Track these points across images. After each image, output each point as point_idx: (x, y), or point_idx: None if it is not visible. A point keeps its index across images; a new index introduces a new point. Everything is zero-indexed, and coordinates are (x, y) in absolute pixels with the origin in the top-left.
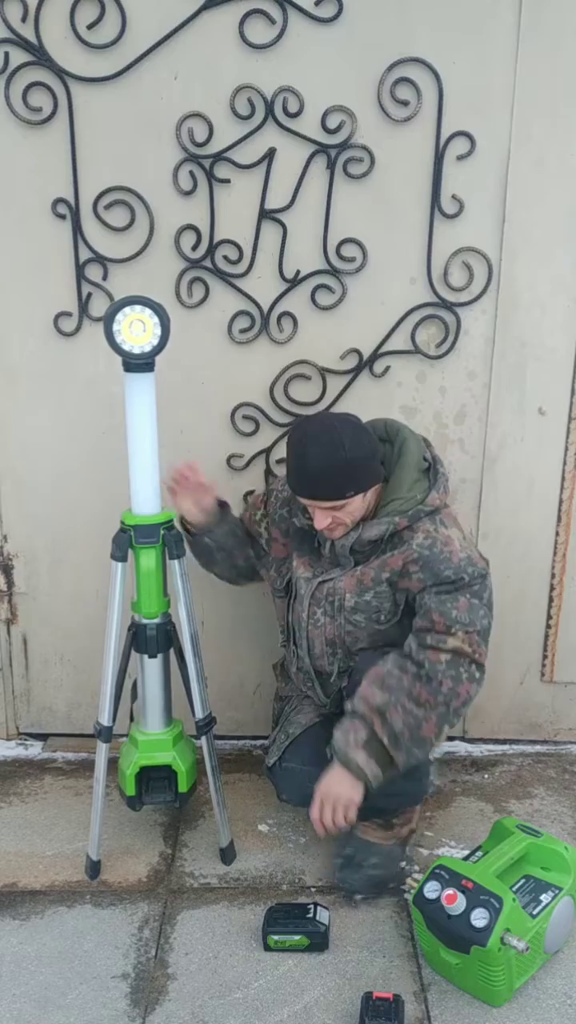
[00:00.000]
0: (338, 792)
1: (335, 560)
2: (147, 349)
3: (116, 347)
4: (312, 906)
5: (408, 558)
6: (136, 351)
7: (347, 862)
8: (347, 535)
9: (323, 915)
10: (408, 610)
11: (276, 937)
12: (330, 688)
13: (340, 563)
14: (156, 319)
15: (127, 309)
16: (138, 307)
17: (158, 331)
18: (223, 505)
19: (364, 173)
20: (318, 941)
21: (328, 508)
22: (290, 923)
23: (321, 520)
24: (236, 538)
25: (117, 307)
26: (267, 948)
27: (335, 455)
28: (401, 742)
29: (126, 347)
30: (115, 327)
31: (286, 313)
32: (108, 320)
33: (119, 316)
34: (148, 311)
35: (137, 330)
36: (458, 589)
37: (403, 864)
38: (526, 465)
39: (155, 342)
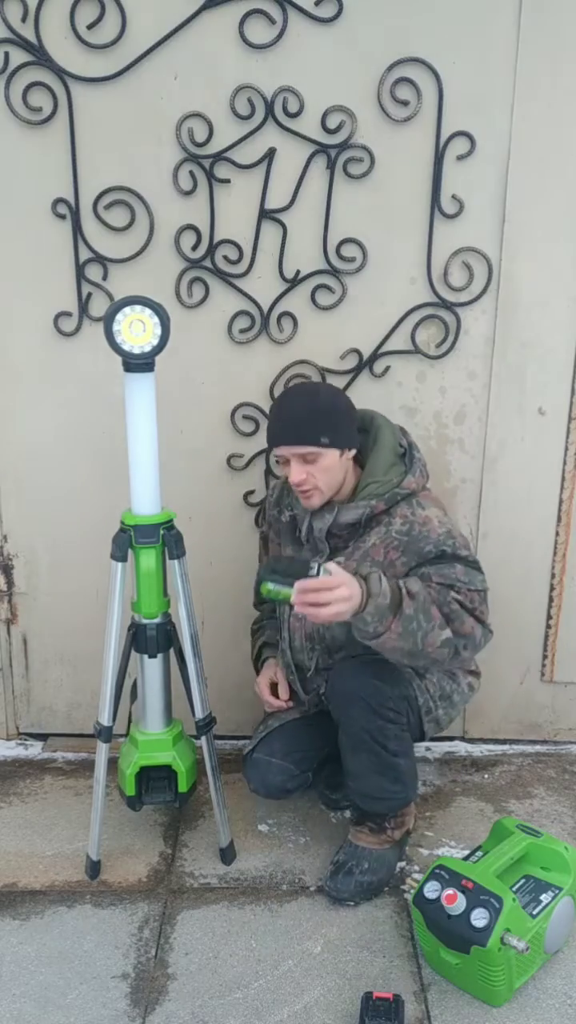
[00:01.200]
0: (337, 593)
1: (314, 546)
2: (147, 349)
3: (116, 347)
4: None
5: (389, 546)
6: (136, 351)
7: (337, 869)
8: (323, 517)
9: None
10: None
11: None
12: (309, 685)
13: (318, 548)
14: (156, 319)
15: (127, 309)
16: (138, 307)
17: (158, 331)
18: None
19: (364, 173)
20: None
21: (302, 455)
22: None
23: (296, 472)
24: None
25: (117, 307)
26: None
27: (312, 401)
28: (415, 602)
29: (126, 347)
30: (115, 327)
31: (286, 313)
32: (108, 320)
33: (119, 316)
34: (148, 311)
35: (137, 330)
36: (447, 558)
37: (403, 864)
38: (526, 465)
39: (155, 342)
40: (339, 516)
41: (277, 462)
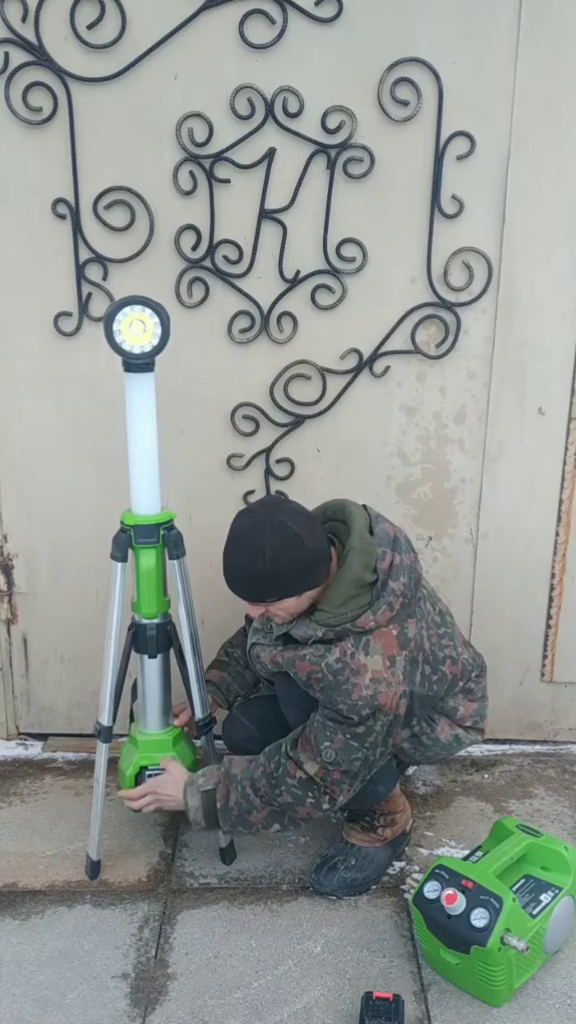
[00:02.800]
0: (166, 797)
1: (270, 637)
2: (147, 349)
3: (116, 347)
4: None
5: (313, 672)
6: (136, 351)
7: (324, 862)
8: (281, 624)
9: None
10: None
11: None
12: None
13: (275, 638)
14: (156, 319)
15: (127, 309)
16: (138, 307)
17: (158, 331)
18: (220, 675)
19: (364, 173)
20: None
21: (253, 606)
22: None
23: (253, 610)
24: (246, 684)
25: (117, 307)
26: None
27: (253, 564)
28: (228, 816)
29: (126, 347)
30: (115, 327)
31: (286, 313)
32: (108, 320)
33: (119, 316)
34: (148, 311)
35: (137, 330)
36: (343, 724)
37: (403, 864)
38: (526, 465)
39: (155, 342)
40: (292, 630)
41: None
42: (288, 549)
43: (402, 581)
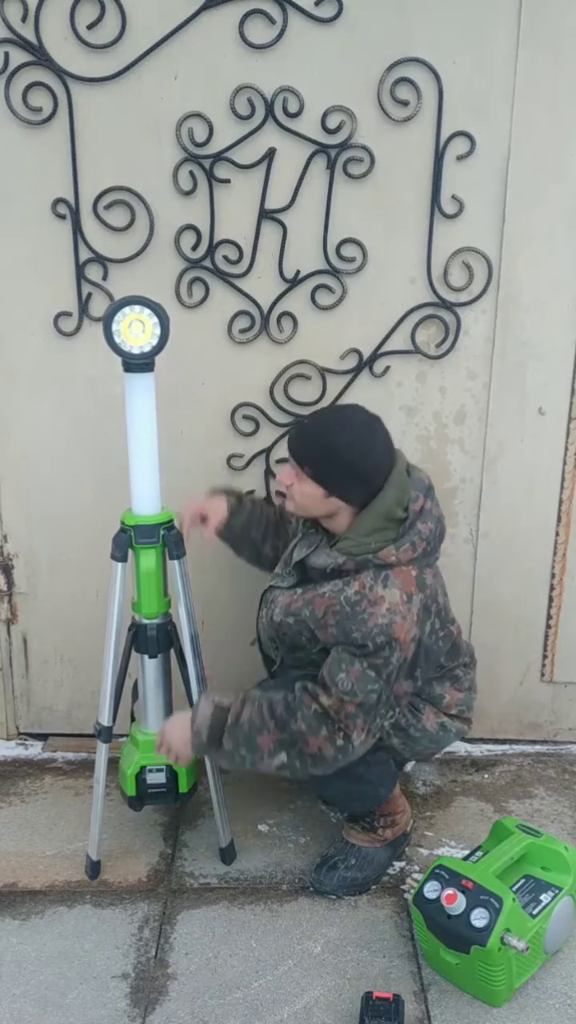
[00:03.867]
0: (172, 740)
1: (288, 564)
2: (146, 349)
3: (115, 347)
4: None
5: (331, 606)
6: (135, 351)
7: (324, 862)
8: (302, 549)
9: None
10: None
11: None
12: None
13: (291, 569)
14: (155, 319)
15: (126, 309)
16: (137, 307)
17: (157, 331)
18: (240, 498)
19: (364, 173)
20: None
21: (291, 468)
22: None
23: (286, 474)
24: (260, 528)
25: (116, 307)
26: None
27: (324, 433)
28: (238, 732)
29: (125, 347)
30: (114, 327)
31: (286, 313)
32: (107, 320)
33: (118, 316)
34: (147, 311)
35: (136, 330)
36: (358, 655)
37: (403, 864)
38: (526, 465)
39: (154, 342)
40: (310, 558)
41: None
42: (356, 446)
43: (429, 526)
